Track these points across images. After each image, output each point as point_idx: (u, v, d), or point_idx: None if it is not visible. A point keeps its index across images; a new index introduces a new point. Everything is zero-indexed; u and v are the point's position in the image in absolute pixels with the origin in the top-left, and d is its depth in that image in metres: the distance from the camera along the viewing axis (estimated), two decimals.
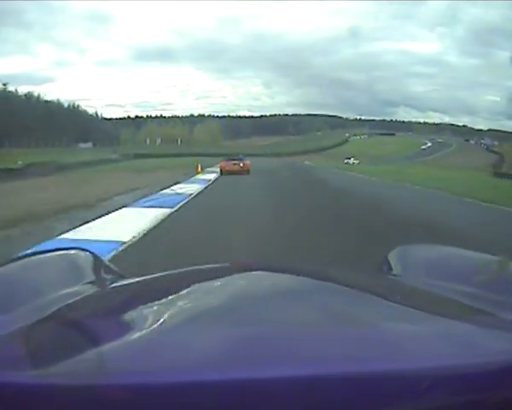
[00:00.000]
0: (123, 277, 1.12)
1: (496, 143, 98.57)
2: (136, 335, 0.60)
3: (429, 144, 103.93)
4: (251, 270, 0.99)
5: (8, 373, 0.52)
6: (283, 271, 1.01)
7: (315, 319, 0.66)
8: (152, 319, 0.66)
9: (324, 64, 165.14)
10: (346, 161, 63.79)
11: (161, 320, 0.65)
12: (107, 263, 1.21)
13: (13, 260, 1.02)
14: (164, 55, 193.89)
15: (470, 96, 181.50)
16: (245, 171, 25.41)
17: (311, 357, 0.54)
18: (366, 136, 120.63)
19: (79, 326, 0.68)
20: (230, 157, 29.01)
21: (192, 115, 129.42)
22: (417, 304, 0.79)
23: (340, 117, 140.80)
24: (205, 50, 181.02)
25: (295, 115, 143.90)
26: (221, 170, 26.26)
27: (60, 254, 1.13)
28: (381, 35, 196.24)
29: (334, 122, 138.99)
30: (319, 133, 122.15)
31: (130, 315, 0.74)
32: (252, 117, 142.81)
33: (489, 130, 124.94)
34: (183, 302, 0.76)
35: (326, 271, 1.05)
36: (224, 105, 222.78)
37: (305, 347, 0.56)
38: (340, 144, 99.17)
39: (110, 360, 0.55)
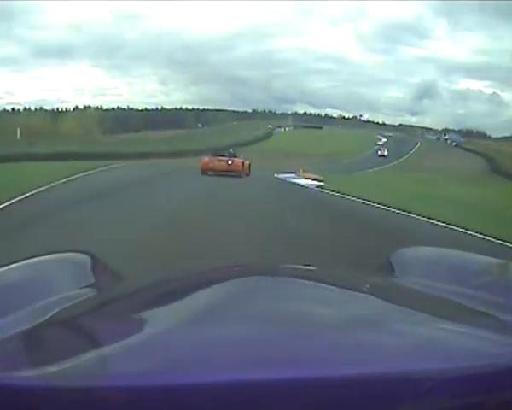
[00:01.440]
0: (123, 279, 1.15)
1: (462, 139, 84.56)
2: (137, 337, 0.61)
3: (384, 140, 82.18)
4: (252, 271, 1.02)
5: (8, 376, 0.52)
6: (284, 272, 1.02)
7: (316, 321, 0.65)
8: (152, 320, 0.68)
9: (221, 61, 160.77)
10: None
11: (161, 322, 0.66)
12: (108, 265, 1.21)
13: (12, 263, 1.02)
14: (62, 52, 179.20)
15: (372, 93, 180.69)
16: (239, 172, 18.98)
17: (312, 359, 0.54)
18: (291, 128, 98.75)
19: (80, 329, 0.69)
20: (217, 152, 21.65)
21: (77, 108, 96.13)
22: (418, 306, 0.79)
23: (245, 112, 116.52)
24: (102, 47, 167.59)
25: (195, 110, 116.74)
26: (202, 169, 19.37)
27: (60, 257, 1.15)
28: (279, 32, 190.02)
29: (239, 117, 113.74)
30: (235, 123, 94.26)
31: (130, 317, 0.74)
32: (146, 110, 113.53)
33: (400, 125, 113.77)
34: (183, 304, 0.76)
35: (327, 272, 1.05)
36: (119, 102, 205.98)
37: (307, 349, 0.56)
38: (262, 139, 75.74)
39: (110, 363, 0.55)
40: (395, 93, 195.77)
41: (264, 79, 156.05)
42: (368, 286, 0.93)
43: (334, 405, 0.49)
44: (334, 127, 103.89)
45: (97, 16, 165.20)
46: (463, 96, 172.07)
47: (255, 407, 0.48)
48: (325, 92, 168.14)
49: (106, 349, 0.58)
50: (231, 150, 22.33)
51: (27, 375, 0.52)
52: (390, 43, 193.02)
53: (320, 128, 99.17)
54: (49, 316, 0.75)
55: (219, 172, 18.80)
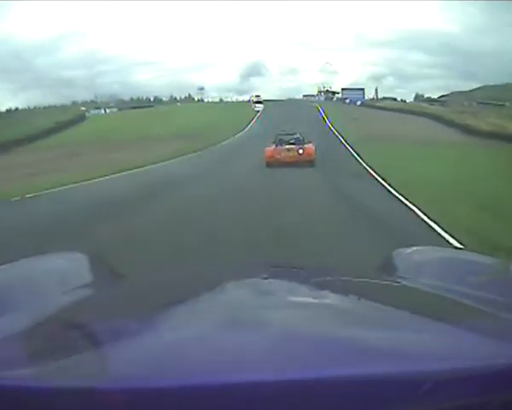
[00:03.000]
0: (123, 278, 1.13)
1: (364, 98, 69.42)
2: (136, 338, 0.60)
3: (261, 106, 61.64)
4: (250, 271, 1.01)
5: (7, 375, 0.51)
6: (284, 273, 1.01)
7: (316, 321, 0.65)
8: (152, 322, 0.67)
9: (46, 64, 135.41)
10: None
11: (160, 323, 0.66)
12: (108, 264, 1.19)
13: (12, 263, 1.01)
14: None
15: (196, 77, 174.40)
16: (306, 161, 16.20)
17: (312, 360, 0.54)
18: (114, 109, 71.20)
19: (79, 329, 0.68)
20: (280, 137, 18.22)
21: None
22: (418, 306, 0.79)
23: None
24: None
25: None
26: (267, 161, 16.58)
27: (60, 257, 1.14)
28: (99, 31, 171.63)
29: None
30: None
31: (130, 317, 0.73)
32: None
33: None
34: (182, 305, 0.75)
35: (326, 272, 1.04)
36: None
37: (306, 350, 0.56)
38: (69, 124, 46.93)
39: (108, 363, 0.54)
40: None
41: (89, 77, 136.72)
42: (367, 286, 0.93)
43: (335, 405, 0.48)
44: (170, 106, 79.82)
45: None
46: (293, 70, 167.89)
47: (254, 407, 0.47)
48: (150, 83, 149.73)
49: (104, 350, 0.57)
50: (298, 135, 18.44)
51: (27, 375, 0.51)
52: None
53: (151, 107, 74.78)
54: (48, 316, 0.74)
55: (289, 164, 15.77)
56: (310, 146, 17.38)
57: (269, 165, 16.20)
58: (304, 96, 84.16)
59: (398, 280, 1.00)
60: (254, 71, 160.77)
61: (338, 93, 79.79)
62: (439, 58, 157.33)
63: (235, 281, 0.90)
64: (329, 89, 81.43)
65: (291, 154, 16.62)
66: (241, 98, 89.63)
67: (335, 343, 0.58)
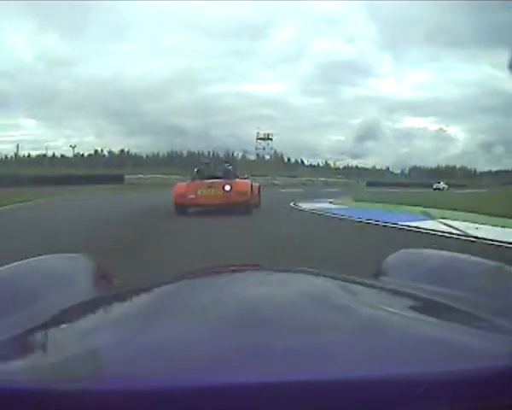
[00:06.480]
0: (120, 282, 1.14)
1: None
2: (134, 340, 0.60)
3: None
4: (248, 272, 1.03)
5: (4, 379, 0.51)
6: (283, 274, 1.01)
7: (311, 323, 0.65)
8: (150, 323, 0.66)
9: (157, 110, 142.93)
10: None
11: (159, 325, 0.65)
12: (104, 269, 1.20)
13: (8, 265, 1.01)
14: None
15: (314, 137, 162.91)
16: (244, 204, 10.32)
17: (309, 362, 0.54)
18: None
19: (76, 331, 0.68)
20: (200, 168, 12.13)
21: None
22: (416, 309, 0.80)
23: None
24: (36, 96, 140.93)
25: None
26: (176, 202, 10.55)
27: (57, 259, 1.14)
28: (216, 76, 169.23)
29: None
30: None
31: (126, 321, 0.72)
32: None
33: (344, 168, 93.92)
34: (181, 306, 0.75)
35: (323, 273, 1.03)
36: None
37: (302, 352, 0.56)
38: None
39: (106, 365, 0.54)
40: (337, 136, 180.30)
41: (202, 127, 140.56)
42: (366, 288, 0.93)
43: (334, 407, 0.48)
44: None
45: (28, 63, 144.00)
46: (407, 134, 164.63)
47: (254, 408, 0.48)
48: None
49: (101, 353, 0.57)
50: (227, 165, 12.54)
51: (23, 378, 0.51)
52: (331, 84, 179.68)
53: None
54: (45, 318, 0.74)
55: (210, 206, 10.31)
56: (244, 181, 11.35)
57: (179, 209, 10.40)
58: None
59: (397, 282, 1.02)
60: (368, 133, 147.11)
61: None
62: None
63: (235, 281, 0.91)
64: None
65: (213, 192, 10.53)
66: None
67: (333, 345, 0.59)
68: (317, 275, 1.00)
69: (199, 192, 10.49)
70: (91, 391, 0.48)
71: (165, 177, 39.77)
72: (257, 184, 12.09)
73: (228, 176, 11.25)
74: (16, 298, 0.84)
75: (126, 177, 35.41)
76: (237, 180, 11.21)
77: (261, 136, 78.93)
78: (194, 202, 10.49)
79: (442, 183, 58.45)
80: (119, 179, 32.24)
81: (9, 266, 1.00)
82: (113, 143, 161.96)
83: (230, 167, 12.10)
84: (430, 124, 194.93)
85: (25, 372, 0.53)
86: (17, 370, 0.54)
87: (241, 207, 10.22)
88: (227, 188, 10.46)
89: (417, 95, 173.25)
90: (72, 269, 1.07)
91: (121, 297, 0.91)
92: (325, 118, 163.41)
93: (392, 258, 1.20)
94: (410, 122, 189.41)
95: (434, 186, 55.47)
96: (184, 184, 11.13)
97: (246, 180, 11.64)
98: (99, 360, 0.54)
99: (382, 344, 0.59)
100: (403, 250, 1.26)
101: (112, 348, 0.57)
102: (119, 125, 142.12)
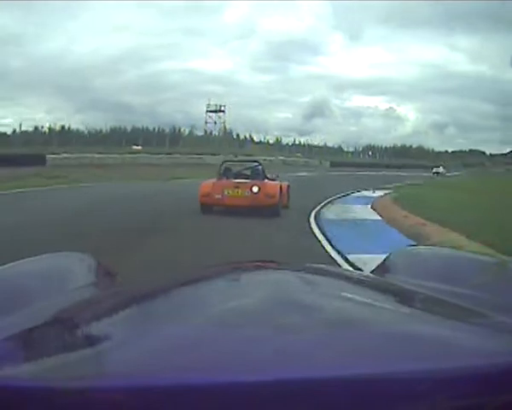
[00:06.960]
0: (121, 279, 1.13)
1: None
2: (135, 337, 0.60)
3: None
4: (248, 270, 1.00)
5: (3, 375, 0.51)
6: (282, 272, 1.00)
7: (311, 321, 0.65)
8: (150, 321, 0.67)
9: (106, 86, 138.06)
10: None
11: (159, 323, 0.66)
12: (106, 265, 1.18)
13: (10, 264, 0.99)
14: None
15: (262, 114, 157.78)
16: (265, 206, 9.73)
17: (307, 360, 0.54)
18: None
19: (78, 330, 0.68)
20: (227, 165, 11.34)
21: None
22: (417, 306, 0.80)
23: None
24: None
25: None
26: (202, 202, 10.09)
27: (58, 257, 1.13)
28: (165, 53, 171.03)
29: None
30: None
31: (128, 318, 0.73)
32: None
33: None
34: (182, 305, 0.75)
35: (323, 270, 1.03)
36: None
37: (301, 350, 0.56)
38: None
39: (108, 363, 0.54)
40: (285, 113, 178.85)
41: (150, 103, 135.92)
42: (366, 285, 0.93)
43: (333, 405, 0.49)
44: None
45: None
46: (357, 113, 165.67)
47: (254, 407, 0.47)
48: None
49: (103, 350, 0.57)
50: (256, 163, 11.44)
51: (25, 376, 0.52)
52: (281, 62, 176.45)
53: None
54: (46, 316, 0.74)
55: (236, 208, 9.78)
56: (273, 183, 10.64)
57: (205, 209, 9.98)
58: None
59: (397, 280, 1.02)
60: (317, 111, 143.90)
61: None
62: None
63: (234, 281, 0.90)
64: None
65: (240, 192, 10.05)
66: None
67: (332, 343, 0.58)
68: (315, 271, 1.00)
69: (225, 192, 10.09)
70: (95, 389, 0.48)
71: (101, 156, 33.55)
72: (286, 184, 11.34)
73: (256, 176, 10.63)
74: (18, 297, 0.84)
75: (51, 156, 28.74)
76: (266, 181, 10.61)
77: (212, 108, 70.53)
78: (221, 203, 10.11)
79: (441, 167, 56.14)
80: (39, 161, 25.58)
81: (11, 264, 0.99)
82: (61, 119, 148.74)
83: (260, 167, 11.12)
84: (381, 103, 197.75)
85: (27, 371, 0.53)
86: (20, 368, 0.54)
87: (268, 210, 9.83)
88: (255, 189, 10.05)
89: (369, 74, 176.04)
90: (74, 267, 1.06)
91: (124, 295, 0.91)
92: (275, 95, 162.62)
93: (395, 255, 1.20)
94: (359, 101, 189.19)
95: (434, 170, 52.83)
96: (210, 182, 10.48)
97: (275, 182, 10.95)
98: (102, 358, 0.55)
99: (383, 341, 0.59)
100: (405, 247, 1.27)
101: (115, 347, 0.57)
102: (70, 101, 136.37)
